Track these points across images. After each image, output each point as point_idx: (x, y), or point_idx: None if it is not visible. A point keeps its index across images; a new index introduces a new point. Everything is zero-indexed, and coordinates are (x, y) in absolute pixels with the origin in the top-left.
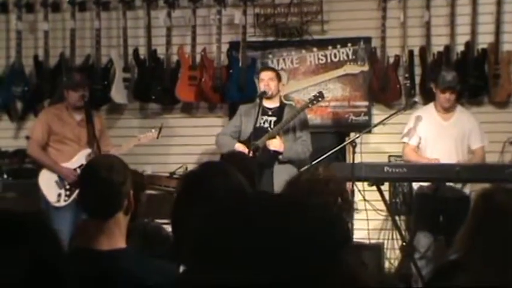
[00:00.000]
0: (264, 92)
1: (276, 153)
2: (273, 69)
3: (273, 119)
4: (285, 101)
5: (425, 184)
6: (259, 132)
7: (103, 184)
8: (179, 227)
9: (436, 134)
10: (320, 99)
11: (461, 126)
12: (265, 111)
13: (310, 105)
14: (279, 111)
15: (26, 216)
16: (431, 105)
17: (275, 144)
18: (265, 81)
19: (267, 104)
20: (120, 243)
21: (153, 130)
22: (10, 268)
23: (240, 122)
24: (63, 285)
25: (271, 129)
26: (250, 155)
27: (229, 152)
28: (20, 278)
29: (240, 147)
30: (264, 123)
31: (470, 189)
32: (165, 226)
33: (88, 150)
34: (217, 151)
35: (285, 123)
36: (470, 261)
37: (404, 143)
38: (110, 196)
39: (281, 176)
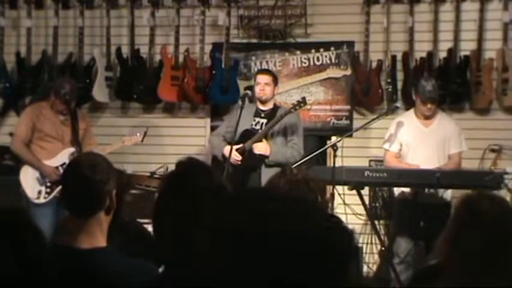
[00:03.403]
0: (247, 94)
1: (262, 156)
2: (270, 73)
3: (264, 121)
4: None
5: (406, 189)
6: (249, 134)
7: (85, 182)
8: (161, 227)
9: (417, 140)
10: (302, 104)
11: (442, 132)
12: (257, 113)
13: (292, 111)
14: (271, 114)
15: (10, 213)
16: (411, 111)
17: (260, 148)
18: (262, 85)
19: (261, 106)
20: (101, 242)
21: (138, 133)
22: None
23: (231, 121)
24: (46, 281)
25: (258, 132)
26: (239, 157)
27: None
28: (5, 273)
29: (228, 151)
30: (255, 125)
31: (451, 196)
32: (145, 225)
33: (71, 149)
34: (201, 152)
35: (270, 127)
36: (450, 267)
37: (385, 149)
38: (92, 194)
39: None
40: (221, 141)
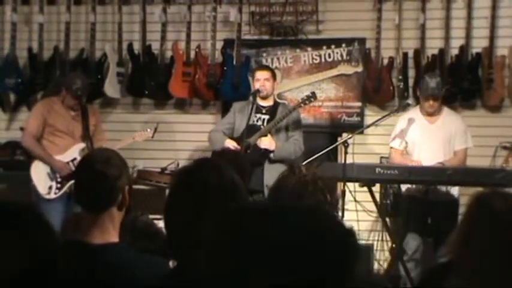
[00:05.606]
0: (258, 91)
1: (267, 151)
2: (268, 68)
3: (266, 117)
4: (279, 100)
5: (413, 186)
6: (251, 130)
7: (98, 177)
8: (172, 223)
9: (422, 137)
10: (312, 99)
11: (448, 128)
12: (258, 110)
13: (302, 105)
14: (272, 110)
15: (22, 208)
16: (417, 108)
17: (266, 142)
18: (261, 81)
19: (261, 102)
20: (113, 237)
21: (148, 129)
22: (7, 259)
23: (233, 119)
24: (57, 277)
25: (264, 127)
26: (237, 147)
27: (222, 149)
28: (17, 269)
29: (230, 143)
30: (257, 121)
31: (458, 192)
32: (155, 221)
33: (82, 145)
34: (210, 148)
35: (277, 122)
36: (462, 265)
37: (391, 147)
38: (105, 189)
39: (272, 175)
40: (222, 136)
